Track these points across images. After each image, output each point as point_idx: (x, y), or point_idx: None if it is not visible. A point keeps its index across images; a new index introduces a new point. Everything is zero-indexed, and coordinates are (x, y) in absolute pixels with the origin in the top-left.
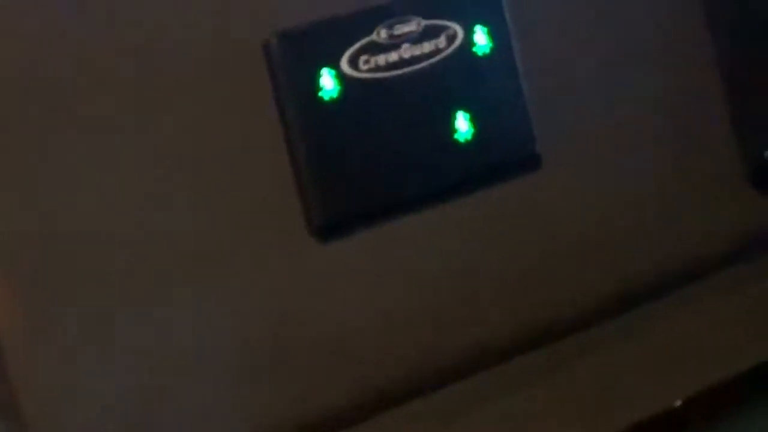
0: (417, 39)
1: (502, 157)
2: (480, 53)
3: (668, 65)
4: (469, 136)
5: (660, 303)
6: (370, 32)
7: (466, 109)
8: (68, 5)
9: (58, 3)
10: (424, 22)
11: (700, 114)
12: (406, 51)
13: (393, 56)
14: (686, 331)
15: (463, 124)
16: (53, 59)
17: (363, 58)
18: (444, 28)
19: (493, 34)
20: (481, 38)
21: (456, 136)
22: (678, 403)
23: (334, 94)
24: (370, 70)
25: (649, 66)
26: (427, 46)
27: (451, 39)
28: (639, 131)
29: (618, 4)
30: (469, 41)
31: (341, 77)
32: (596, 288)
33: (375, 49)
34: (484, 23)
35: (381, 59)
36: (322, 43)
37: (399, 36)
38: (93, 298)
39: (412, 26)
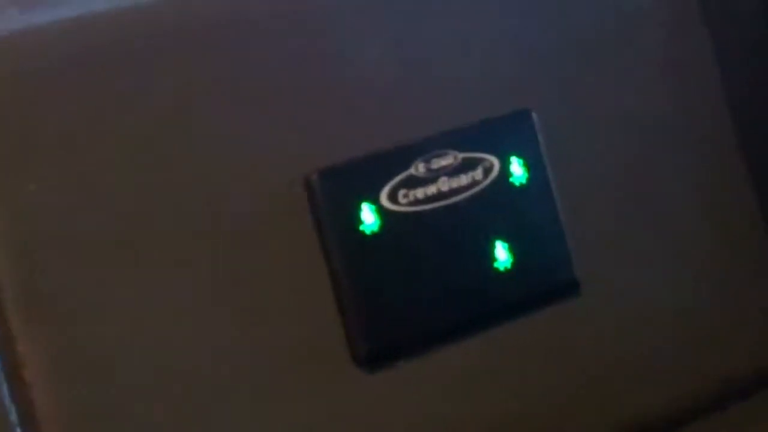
0: (454, 172)
1: (542, 285)
2: (517, 183)
3: (704, 187)
4: (508, 265)
5: (704, 425)
6: (408, 167)
7: (505, 239)
8: (112, 142)
9: (103, 142)
10: (460, 156)
11: (738, 232)
12: (444, 184)
13: (431, 189)
14: None
15: (501, 253)
16: (99, 194)
17: (402, 192)
18: (480, 161)
19: (528, 165)
20: (517, 169)
21: (495, 265)
22: None
23: (375, 228)
24: (409, 204)
25: (685, 189)
26: (464, 179)
27: (488, 171)
28: (678, 255)
29: (652, 130)
30: (505, 172)
31: (381, 211)
32: (639, 412)
33: (413, 182)
34: (519, 154)
35: (419, 192)
36: (362, 178)
37: (436, 169)
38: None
39: (449, 159)
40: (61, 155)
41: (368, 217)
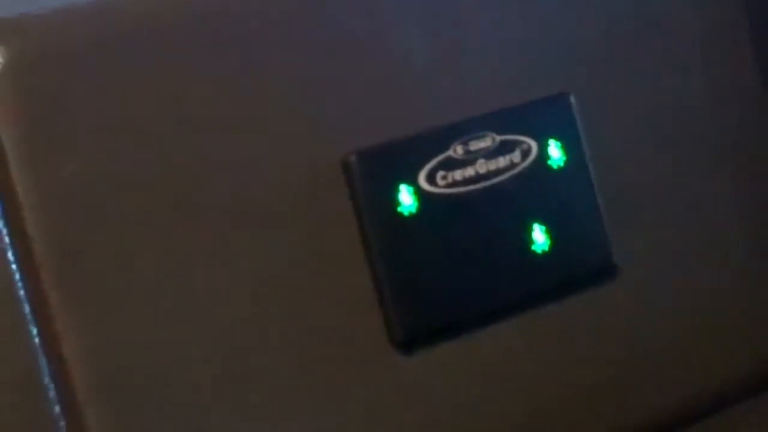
0: (492, 154)
1: (579, 268)
2: (554, 166)
3: (743, 173)
4: (546, 248)
5: (743, 409)
6: (446, 149)
7: (542, 222)
8: (151, 123)
9: (140, 123)
10: (498, 138)
11: None
12: (482, 166)
13: (469, 171)
14: None
15: (539, 236)
16: (136, 176)
17: (440, 173)
18: (518, 143)
19: (566, 148)
20: (555, 152)
21: (533, 248)
22: None
23: (413, 210)
24: (447, 186)
25: (723, 173)
26: (502, 161)
27: (526, 153)
28: (715, 238)
29: (689, 114)
30: (543, 155)
31: (419, 193)
32: (676, 397)
33: (451, 164)
34: (557, 137)
35: (458, 174)
36: (400, 160)
37: (474, 151)
38: (181, 417)
39: (487, 142)
40: (99, 137)
41: (406, 199)
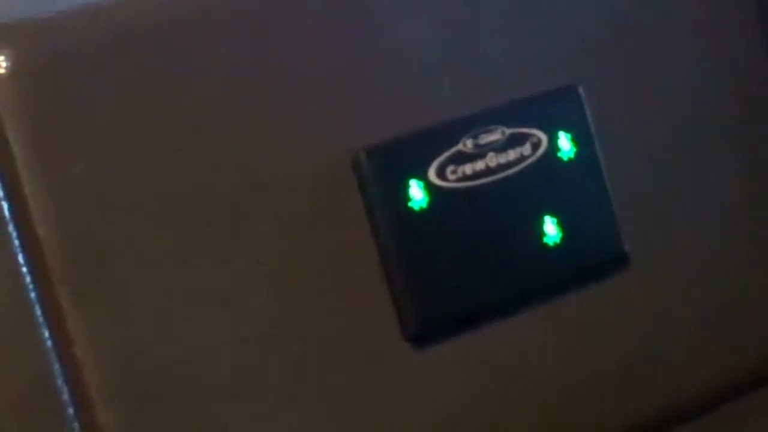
0: (502, 147)
1: (591, 259)
2: (565, 158)
3: (755, 162)
4: (557, 240)
5: (754, 400)
6: (456, 143)
7: (554, 214)
8: (158, 123)
9: (148, 123)
10: (508, 131)
11: None
12: (492, 159)
13: (479, 165)
14: None
15: (551, 228)
16: (144, 175)
17: (450, 168)
18: (528, 136)
19: (576, 140)
20: (565, 144)
21: (545, 240)
22: None
23: (424, 204)
24: (457, 180)
25: (734, 162)
26: (512, 154)
27: (536, 146)
28: (727, 228)
29: (698, 102)
30: (553, 147)
31: (429, 187)
32: (690, 387)
33: (461, 158)
34: (567, 129)
35: (468, 168)
36: (410, 155)
37: (484, 145)
38: (195, 418)
39: (496, 135)
40: (107, 138)
41: (417, 194)
